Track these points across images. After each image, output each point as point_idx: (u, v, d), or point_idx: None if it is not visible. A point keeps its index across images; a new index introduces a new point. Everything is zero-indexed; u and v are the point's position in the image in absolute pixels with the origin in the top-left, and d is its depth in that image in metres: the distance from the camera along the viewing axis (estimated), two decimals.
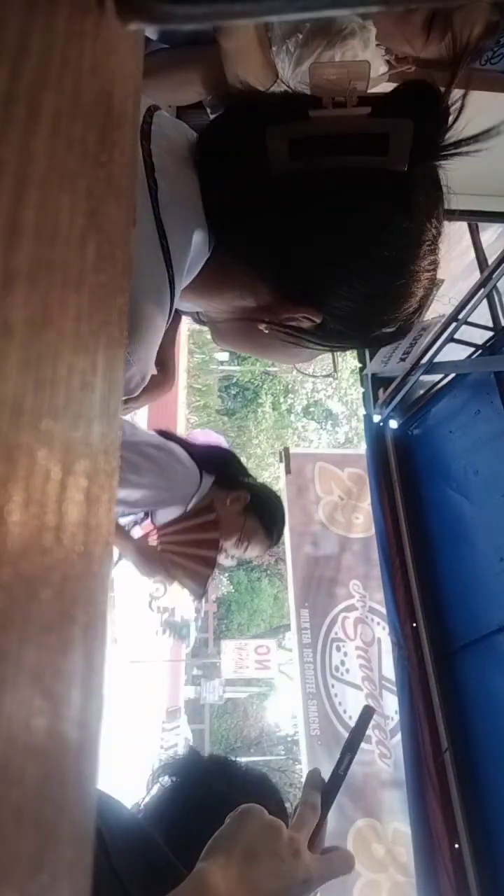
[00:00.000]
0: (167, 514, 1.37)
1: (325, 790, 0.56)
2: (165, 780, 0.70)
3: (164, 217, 0.50)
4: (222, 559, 1.41)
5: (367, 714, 0.60)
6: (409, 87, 0.49)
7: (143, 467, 1.27)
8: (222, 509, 1.37)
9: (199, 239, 0.52)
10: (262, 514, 1.44)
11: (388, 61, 0.99)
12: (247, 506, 1.42)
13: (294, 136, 0.46)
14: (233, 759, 0.75)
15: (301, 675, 4.68)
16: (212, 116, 1.01)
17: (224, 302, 0.59)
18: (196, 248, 0.52)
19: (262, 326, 0.57)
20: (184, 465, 1.35)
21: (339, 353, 0.62)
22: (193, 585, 1.35)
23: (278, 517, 1.52)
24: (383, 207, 0.50)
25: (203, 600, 1.55)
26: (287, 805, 0.69)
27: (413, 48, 0.94)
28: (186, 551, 1.32)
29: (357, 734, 0.59)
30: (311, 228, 0.51)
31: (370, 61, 0.88)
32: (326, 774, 0.58)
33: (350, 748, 0.58)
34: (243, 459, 1.61)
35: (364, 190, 0.50)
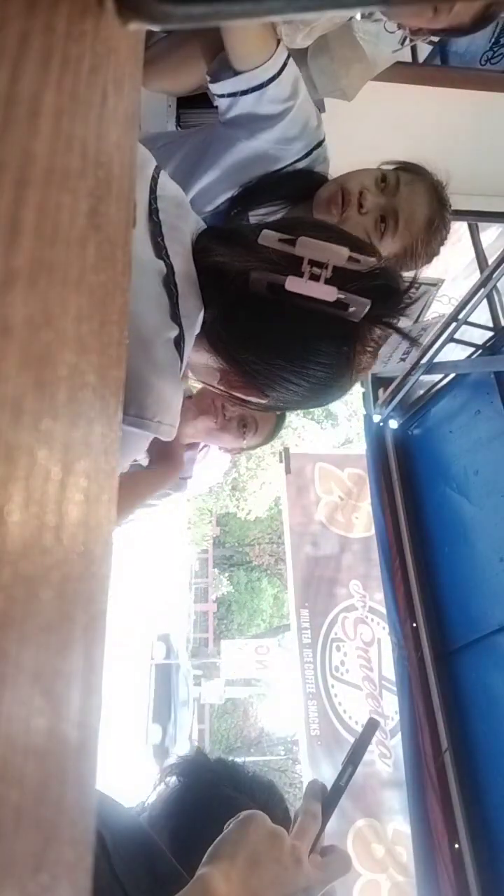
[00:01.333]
0: None
1: (326, 800, 0.56)
2: (172, 780, 0.70)
3: (182, 314, 0.61)
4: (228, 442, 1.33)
5: (371, 727, 0.60)
6: (376, 277, 0.59)
7: None
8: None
9: (200, 319, 0.64)
10: None
11: (404, 36, 1.02)
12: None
13: (271, 282, 0.59)
14: (241, 763, 0.75)
15: (301, 675, 4.68)
16: (212, 87, 1.01)
17: (196, 356, 0.71)
18: (197, 327, 0.65)
19: (216, 391, 0.72)
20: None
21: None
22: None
23: None
24: (333, 344, 0.62)
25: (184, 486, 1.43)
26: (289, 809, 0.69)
27: (423, 21, 0.94)
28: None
29: (360, 746, 0.58)
30: (270, 348, 0.64)
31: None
32: (326, 776, 0.58)
33: (352, 760, 0.58)
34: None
35: (321, 327, 0.61)
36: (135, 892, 0.52)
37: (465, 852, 1.93)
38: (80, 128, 0.19)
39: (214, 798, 0.66)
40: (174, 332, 0.61)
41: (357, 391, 2.97)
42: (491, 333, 2.30)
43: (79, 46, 0.18)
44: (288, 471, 5.24)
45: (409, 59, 1.91)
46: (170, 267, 0.61)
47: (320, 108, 1.33)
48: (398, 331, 0.63)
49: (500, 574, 2.08)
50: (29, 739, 0.14)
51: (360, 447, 2.79)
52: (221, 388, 0.71)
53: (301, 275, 0.56)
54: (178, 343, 0.62)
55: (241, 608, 15.08)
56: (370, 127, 1.53)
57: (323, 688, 4.63)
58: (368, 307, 0.57)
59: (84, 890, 0.18)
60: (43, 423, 0.15)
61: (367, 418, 2.84)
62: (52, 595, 0.16)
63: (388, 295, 0.59)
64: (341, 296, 0.56)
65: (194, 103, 1.37)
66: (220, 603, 15.06)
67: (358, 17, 0.95)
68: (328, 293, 0.56)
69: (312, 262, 0.56)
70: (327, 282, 0.56)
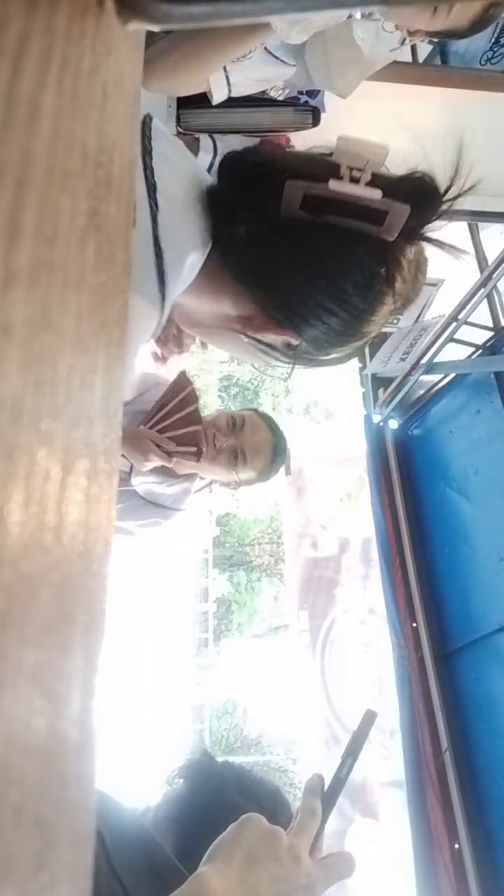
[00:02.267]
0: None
1: (326, 795, 0.56)
2: (178, 782, 0.69)
3: (161, 236, 0.55)
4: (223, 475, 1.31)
5: (368, 718, 0.59)
6: (415, 180, 0.57)
7: None
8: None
9: (192, 260, 0.59)
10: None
11: (402, 37, 1.02)
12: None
13: (309, 192, 0.54)
14: (247, 768, 0.74)
15: (300, 675, 4.68)
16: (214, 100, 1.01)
17: (213, 306, 0.66)
18: (188, 269, 0.59)
19: (244, 339, 0.65)
20: None
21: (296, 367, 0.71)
22: (188, 457, 1.25)
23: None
24: (368, 265, 0.59)
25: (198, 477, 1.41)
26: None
27: (421, 23, 0.94)
28: (173, 432, 1.25)
29: (359, 738, 0.58)
30: (305, 269, 0.59)
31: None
32: (326, 776, 0.57)
33: (352, 752, 0.57)
34: None
35: (356, 247, 0.58)
36: (135, 890, 0.52)
37: (465, 852, 1.93)
38: (80, 128, 0.19)
39: (220, 803, 0.66)
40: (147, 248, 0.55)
41: (357, 391, 2.97)
42: (491, 333, 2.30)
43: (79, 46, 0.18)
44: (288, 471, 5.24)
45: (409, 58, 1.91)
46: (151, 185, 0.56)
47: (321, 108, 1.33)
48: (434, 242, 0.60)
49: (500, 574, 2.08)
50: (29, 739, 0.14)
51: (360, 447, 2.79)
52: (248, 333, 0.65)
53: (341, 178, 0.53)
54: (158, 261, 0.55)
55: (241, 608, 15.07)
56: (370, 127, 1.53)
57: (322, 688, 4.62)
58: (408, 214, 0.53)
59: (84, 890, 0.18)
60: (43, 423, 0.15)
61: (367, 418, 2.84)
62: (52, 595, 0.16)
63: (426, 198, 0.56)
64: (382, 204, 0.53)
65: (194, 103, 1.37)
66: (220, 603, 15.05)
67: (358, 16, 0.94)
68: (373, 194, 0.52)
69: (351, 167, 0.53)
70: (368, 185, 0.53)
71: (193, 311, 0.69)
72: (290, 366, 0.69)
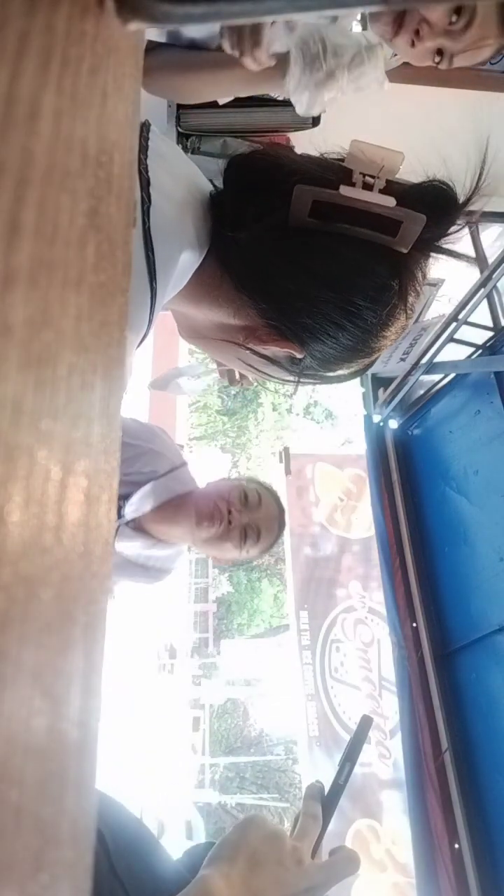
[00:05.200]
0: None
1: (326, 801, 0.56)
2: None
3: (153, 230, 0.52)
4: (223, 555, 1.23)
5: (365, 723, 0.59)
6: (432, 188, 0.54)
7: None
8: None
9: (186, 258, 0.56)
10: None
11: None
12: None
13: (319, 198, 0.51)
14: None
15: (300, 675, 4.68)
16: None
17: (213, 315, 0.63)
18: (182, 267, 0.56)
19: (243, 351, 0.62)
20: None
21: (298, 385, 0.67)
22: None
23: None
24: (381, 277, 0.55)
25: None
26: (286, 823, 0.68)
27: (428, 60, 0.94)
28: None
29: (356, 744, 0.58)
30: (313, 280, 0.56)
31: (381, 76, 0.89)
32: (326, 776, 0.58)
33: (349, 758, 0.57)
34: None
35: (368, 258, 0.55)
36: (135, 891, 0.52)
37: (465, 852, 1.93)
38: (80, 128, 0.19)
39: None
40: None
41: (357, 391, 2.97)
42: (491, 333, 2.30)
43: (79, 46, 0.18)
44: (287, 471, 5.25)
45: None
46: (145, 180, 0.53)
47: None
48: (452, 255, 0.57)
49: (500, 574, 2.08)
50: (29, 739, 0.14)
51: (360, 447, 2.79)
52: (249, 346, 0.61)
53: (352, 185, 0.50)
54: (148, 254, 0.52)
55: (241, 608, 15.08)
56: (370, 127, 1.53)
57: (322, 688, 4.63)
58: (423, 224, 0.50)
59: (84, 890, 0.18)
60: (43, 423, 0.15)
61: (367, 418, 2.84)
62: (52, 595, 0.16)
63: (443, 207, 0.53)
64: (397, 213, 0.50)
65: (194, 104, 1.37)
66: (220, 603, 15.06)
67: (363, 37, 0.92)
68: (387, 201, 0.49)
69: (364, 173, 0.50)
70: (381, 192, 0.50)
71: (193, 320, 0.67)
72: (294, 382, 0.65)
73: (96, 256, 0.20)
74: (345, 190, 0.50)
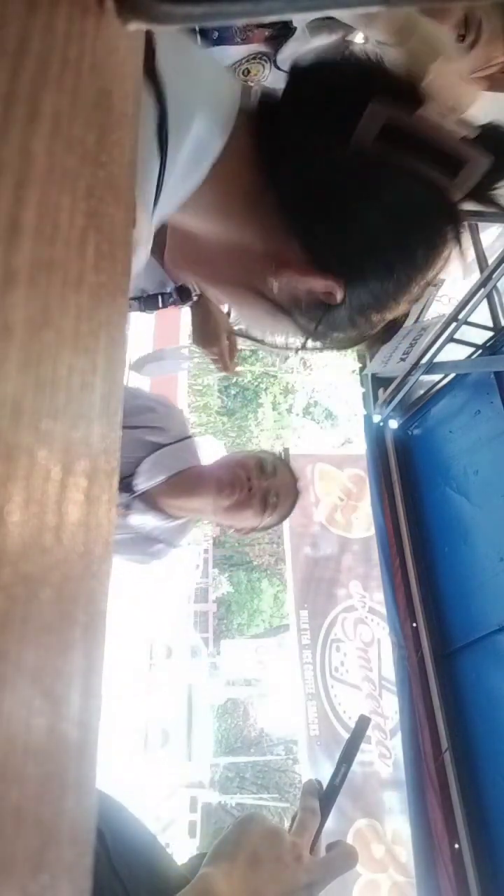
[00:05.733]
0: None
1: (323, 798, 0.56)
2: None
3: (162, 70, 0.44)
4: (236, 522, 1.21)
5: (362, 724, 0.59)
6: (494, 132, 0.49)
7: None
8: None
9: (201, 128, 0.47)
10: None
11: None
12: None
13: (392, 121, 0.45)
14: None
15: (300, 675, 4.68)
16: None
17: (232, 230, 0.54)
18: (197, 138, 0.48)
19: (272, 279, 0.53)
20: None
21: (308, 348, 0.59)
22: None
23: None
24: (439, 220, 0.50)
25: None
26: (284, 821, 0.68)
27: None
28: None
29: (353, 744, 0.58)
30: (379, 209, 0.49)
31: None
32: (326, 776, 0.58)
33: (346, 758, 0.57)
34: None
35: (429, 197, 0.49)
36: (136, 890, 0.52)
37: (465, 852, 1.93)
38: (80, 128, 0.19)
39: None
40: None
41: (357, 391, 2.97)
42: (491, 333, 2.30)
43: (79, 46, 0.18)
44: None
45: None
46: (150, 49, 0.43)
47: None
48: (498, 206, 0.50)
49: (500, 574, 2.08)
50: (29, 739, 0.14)
51: (360, 447, 2.79)
52: (277, 275, 0.52)
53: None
54: (157, 92, 0.45)
55: (241, 608, 15.07)
56: None
57: (322, 688, 4.63)
58: (486, 167, 0.46)
59: (84, 890, 0.18)
60: (43, 423, 0.15)
61: (367, 418, 2.84)
62: (52, 595, 0.16)
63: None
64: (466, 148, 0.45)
65: None
66: (220, 603, 15.05)
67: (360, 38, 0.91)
68: (467, 129, 0.45)
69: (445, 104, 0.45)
70: None
71: (202, 242, 0.57)
72: (301, 340, 0.58)
73: (96, 256, 0.20)
74: (424, 112, 0.44)
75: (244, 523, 1.20)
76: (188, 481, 1.20)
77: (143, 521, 1.22)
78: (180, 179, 0.49)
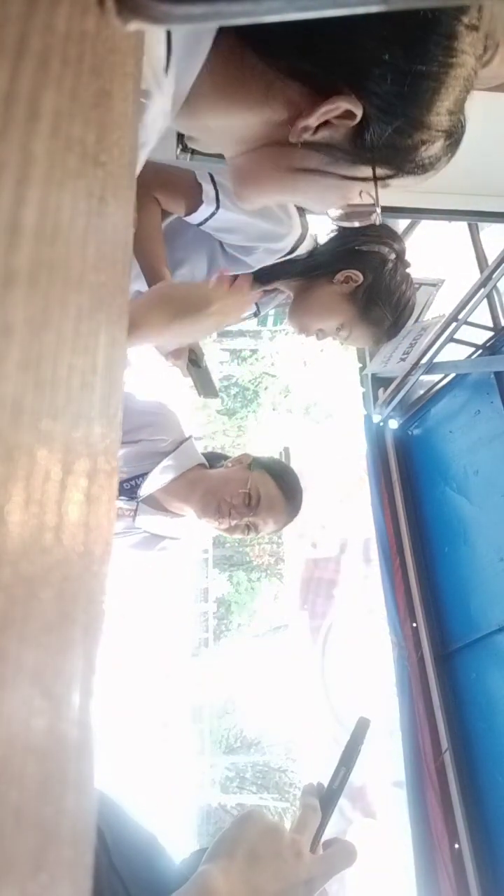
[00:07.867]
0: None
1: (322, 800, 0.56)
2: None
3: None
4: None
5: (362, 726, 0.58)
6: None
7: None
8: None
9: None
10: (273, 473, 1.29)
11: None
12: (251, 463, 1.30)
13: None
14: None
15: (300, 675, 4.68)
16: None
17: (243, 112, 0.53)
18: None
19: (294, 139, 0.51)
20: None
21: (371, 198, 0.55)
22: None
23: (292, 477, 1.35)
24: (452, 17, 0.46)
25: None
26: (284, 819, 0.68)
27: None
28: None
29: (353, 747, 0.57)
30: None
31: None
32: (325, 776, 0.57)
33: (345, 762, 0.56)
34: None
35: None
36: (135, 888, 0.52)
37: (465, 852, 1.93)
38: (80, 128, 0.19)
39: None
40: None
41: (357, 391, 2.96)
42: (491, 333, 2.30)
43: (79, 46, 0.18)
44: None
45: None
46: None
47: None
48: None
49: (500, 574, 2.08)
50: (29, 739, 0.14)
51: (361, 447, 2.79)
52: (301, 128, 0.51)
53: None
54: None
55: (241, 608, 15.08)
56: None
57: (322, 688, 4.62)
58: None
59: (84, 890, 0.18)
60: (43, 423, 0.15)
61: (367, 418, 2.84)
62: (52, 595, 0.16)
63: None
64: None
65: None
66: (220, 603, 15.06)
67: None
68: None
69: None
70: None
71: (233, 137, 0.56)
72: (370, 167, 0.53)
73: (96, 256, 0.20)
74: None
75: (230, 535, 1.30)
76: (183, 487, 1.27)
77: (151, 521, 1.31)
78: (185, 55, 0.49)
